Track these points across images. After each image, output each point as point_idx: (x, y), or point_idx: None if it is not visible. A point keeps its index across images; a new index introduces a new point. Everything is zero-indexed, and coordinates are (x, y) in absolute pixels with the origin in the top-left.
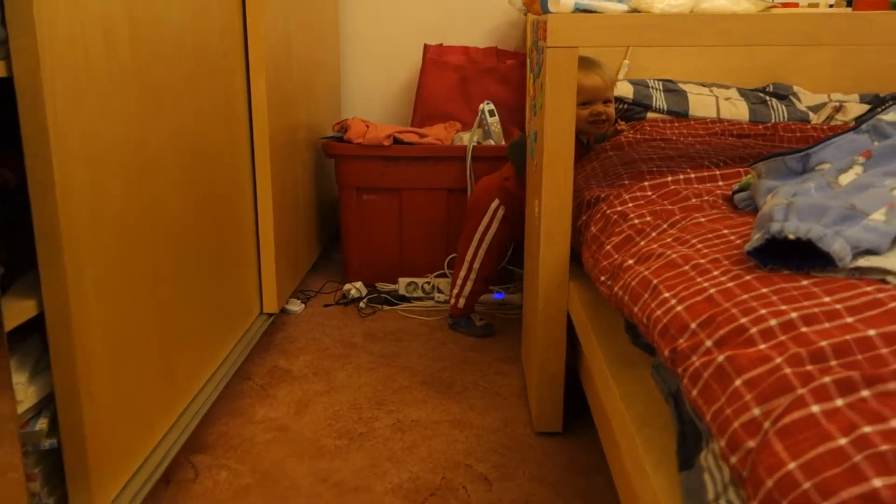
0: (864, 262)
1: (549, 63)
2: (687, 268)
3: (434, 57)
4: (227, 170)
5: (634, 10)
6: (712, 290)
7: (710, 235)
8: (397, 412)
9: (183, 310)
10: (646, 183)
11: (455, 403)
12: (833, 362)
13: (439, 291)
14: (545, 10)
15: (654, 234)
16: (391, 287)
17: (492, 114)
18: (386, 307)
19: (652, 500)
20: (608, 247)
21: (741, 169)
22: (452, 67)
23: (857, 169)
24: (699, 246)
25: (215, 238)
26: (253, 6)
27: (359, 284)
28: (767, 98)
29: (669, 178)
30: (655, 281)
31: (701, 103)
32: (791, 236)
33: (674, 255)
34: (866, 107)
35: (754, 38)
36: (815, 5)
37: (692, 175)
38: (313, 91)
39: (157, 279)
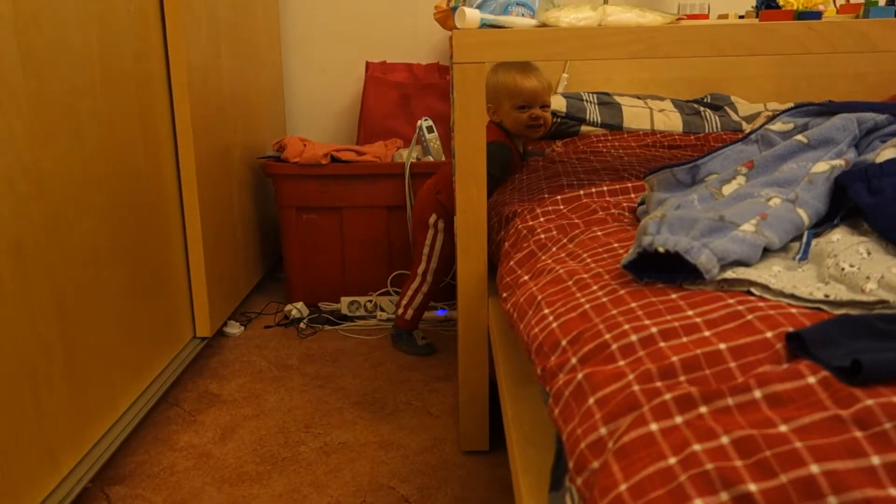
0: (731, 273)
1: (457, 78)
2: (570, 283)
3: (376, 74)
4: (150, 192)
5: (543, 25)
6: (587, 306)
7: (600, 249)
8: (325, 435)
9: (96, 336)
10: (559, 197)
11: (385, 424)
12: (682, 377)
13: (381, 310)
14: (454, 27)
15: (553, 248)
16: (334, 306)
17: (430, 130)
18: (327, 327)
19: None
20: (512, 262)
21: None
22: (393, 84)
23: (740, 179)
24: (588, 260)
25: (137, 262)
26: (174, 31)
27: (300, 305)
28: (701, 109)
29: (582, 192)
30: (540, 297)
31: (635, 115)
32: (661, 249)
33: (561, 271)
34: None
35: (660, 50)
36: (725, 16)
37: (605, 188)
38: (250, 111)
39: (62, 305)
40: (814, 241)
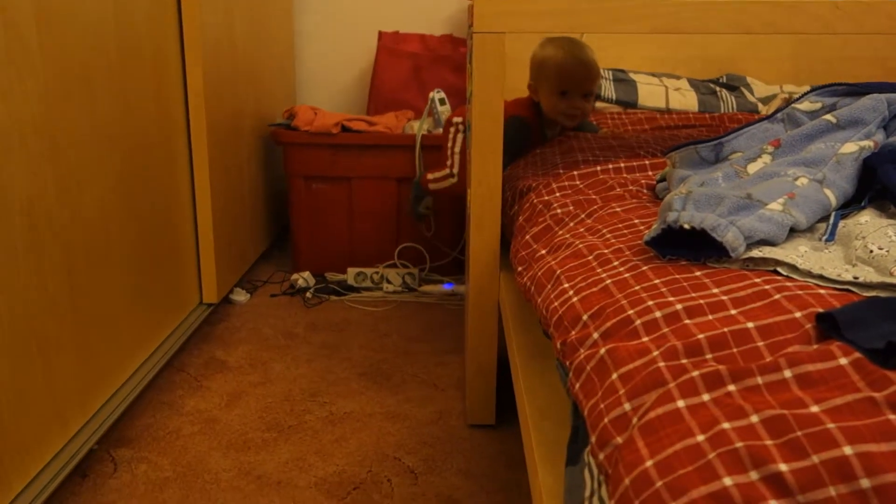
0: (757, 252)
1: (476, 49)
2: (590, 258)
3: (388, 45)
4: (160, 157)
5: None
6: (608, 281)
7: (620, 225)
8: (331, 404)
9: (105, 301)
10: (575, 172)
11: (391, 395)
12: (708, 355)
13: (388, 282)
14: None
15: (571, 223)
16: (340, 277)
17: (442, 102)
18: (333, 297)
19: (538, 497)
20: (528, 236)
21: None
22: (406, 55)
23: (766, 158)
24: (608, 236)
25: (146, 227)
26: None
27: (306, 274)
28: (717, 89)
29: (599, 168)
30: (559, 271)
31: (650, 93)
32: (686, 226)
33: (581, 246)
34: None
35: (683, 24)
36: None
37: (622, 164)
38: (262, 78)
39: (72, 269)
40: (841, 223)
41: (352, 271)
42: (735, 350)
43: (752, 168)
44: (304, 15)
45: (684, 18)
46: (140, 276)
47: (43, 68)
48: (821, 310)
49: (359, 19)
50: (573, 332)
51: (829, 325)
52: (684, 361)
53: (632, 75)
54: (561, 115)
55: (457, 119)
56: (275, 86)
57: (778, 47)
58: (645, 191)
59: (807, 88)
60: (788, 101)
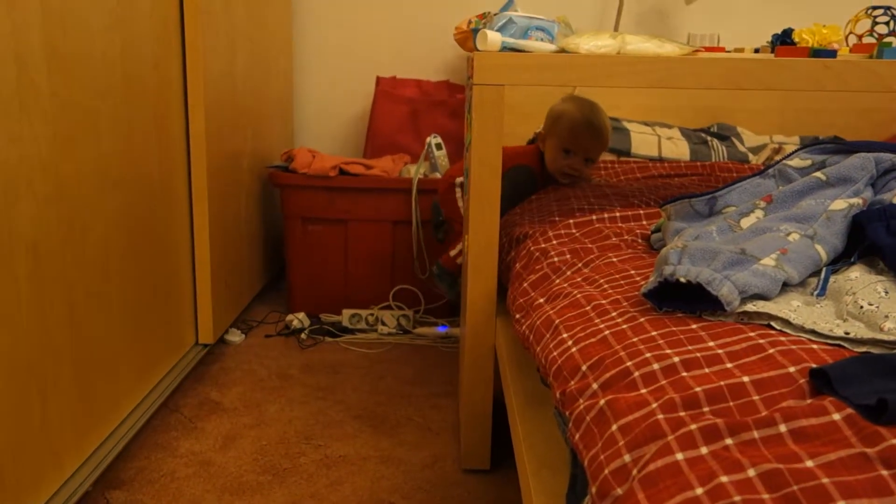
0: (752, 306)
1: (475, 100)
2: (588, 308)
3: (386, 89)
4: (161, 197)
5: (562, 51)
6: (607, 332)
7: (617, 276)
8: (325, 447)
9: (104, 341)
10: (571, 220)
11: (386, 438)
12: (706, 408)
13: (383, 323)
14: (475, 48)
15: (568, 272)
16: (335, 318)
17: (439, 147)
18: (328, 339)
19: None
20: (525, 284)
21: None
22: (404, 100)
23: (759, 213)
24: (605, 286)
25: (146, 267)
26: (192, 38)
27: (301, 315)
28: (708, 138)
29: (594, 217)
30: (557, 321)
31: (643, 142)
32: (682, 279)
33: (579, 296)
34: None
35: (676, 80)
36: (741, 51)
37: (617, 214)
38: (261, 120)
39: (73, 308)
40: (832, 278)
41: (347, 313)
42: (731, 403)
43: (746, 223)
44: (302, 59)
45: (678, 75)
46: (138, 316)
47: (52, 112)
48: (814, 365)
49: (357, 64)
50: (572, 382)
51: (822, 381)
52: (682, 414)
53: (625, 124)
54: (558, 172)
55: (459, 179)
56: (273, 128)
57: (767, 99)
58: (640, 240)
59: (796, 139)
60: (778, 152)
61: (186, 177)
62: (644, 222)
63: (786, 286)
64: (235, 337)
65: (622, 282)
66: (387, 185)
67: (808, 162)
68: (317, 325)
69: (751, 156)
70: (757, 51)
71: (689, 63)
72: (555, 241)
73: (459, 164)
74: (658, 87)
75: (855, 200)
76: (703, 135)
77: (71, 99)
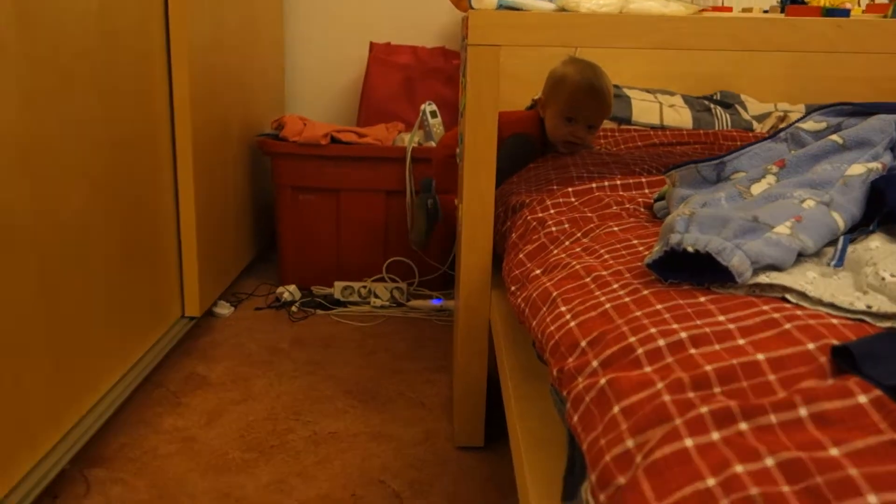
0: (765, 278)
1: (470, 62)
2: (588, 280)
3: (380, 56)
4: (143, 163)
5: (562, 9)
6: (608, 305)
7: (618, 246)
8: (314, 424)
9: (81, 312)
10: (570, 189)
11: (377, 415)
12: (717, 389)
13: (376, 296)
14: (469, 7)
15: (567, 242)
16: (327, 291)
17: (434, 115)
18: (319, 312)
19: None
20: (522, 255)
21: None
22: (398, 67)
23: (770, 178)
24: (606, 256)
25: (127, 235)
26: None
27: (292, 288)
28: (712, 106)
29: (594, 185)
30: (555, 293)
31: (644, 109)
32: (690, 248)
33: (578, 266)
34: None
35: (682, 41)
36: (749, 10)
37: (618, 182)
38: (250, 86)
39: (46, 278)
40: (850, 248)
41: (339, 285)
42: (745, 384)
43: (757, 189)
44: (294, 24)
45: (683, 34)
46: (119, 287)
47: (24, 71)
48: (835, 342)
49: (350, 29)
50: (570, 360)
51: (845, 359)
52: (691, 395)
53: (626, 91)
54: (560, 141)
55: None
56: (263, 94)
57: (771, 66)
58: (643, 209)
59: (801, 107)
60: (783, 120)
61: (171, 141)
62: (647, 191)
63: (800, 256)
64: (224, 310)
65: (624, 252)
66: (380, 153)
67: (823, 125)
68: (308, 298)
69: (755, 124)
70: (766, 11)
71: (696, 23)
72: (553, 211)
73: (454, 132)
74: (662, 48)
75: (874, 165)
76: (707, 102)
77: (43, 57)
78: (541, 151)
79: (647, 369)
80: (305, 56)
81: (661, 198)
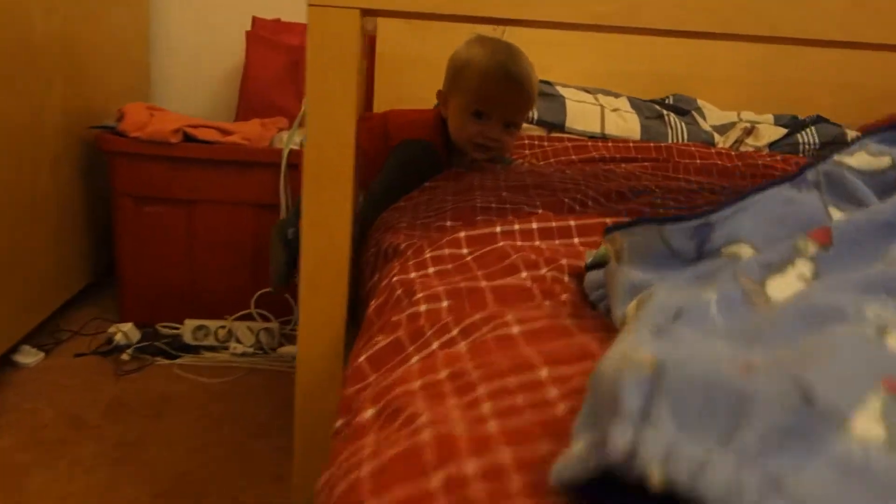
0: None
1: (312, 31)
2: (435, 484)
3: (263, 34)
4: None
5: None
6: None
7: (512, 379)
8: None
9: None
10: (463, 233)
11: None
12: None
13: (237, 341)
14: None
15: (434, 345)
16: (176, 331)
17: None
18: (160, 360)
19: None
20: (363, 357)
21: (607, 220)
22: (285, 49)
23: (804, 267)
24: (486, 412)
25: None
26: None
27: (128, 327)
28: (665, 112)
29: (499, 230)
30: (368, 485)
31: (581, 113)
32: (654, 475)
33: (426, 436)
34: (782, 130)
35: (640, 17)
36: None
37: (534, 226)
38: (84, 68)
39: None
40: None
41: (190, 324)
42: None
43: (780, 288)
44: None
45: (642, 7)
46: None
47: None
48: None
49: (233, 3)
50: None
51: None
52: None
53: (559, 89)
54: (468, 143)
55: None
56: (115, 78)
57: (732, 66)
58: (565, 279)
59: (769, 117)
60: (750, 133)
61: None
62: (576, 240)
63: None
64: (29, 357)
65: (519, 398)
66: (247, 156)
67: (887, 161)
68: (147, 343)
69: (716, 136)
70: None
71: None
72: (432, 270)
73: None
74: (610, 26)
75: None
76: (658, 108)
77: None
78: (445, 162)
79: None
80: (177, 34)
81: (597, 264)
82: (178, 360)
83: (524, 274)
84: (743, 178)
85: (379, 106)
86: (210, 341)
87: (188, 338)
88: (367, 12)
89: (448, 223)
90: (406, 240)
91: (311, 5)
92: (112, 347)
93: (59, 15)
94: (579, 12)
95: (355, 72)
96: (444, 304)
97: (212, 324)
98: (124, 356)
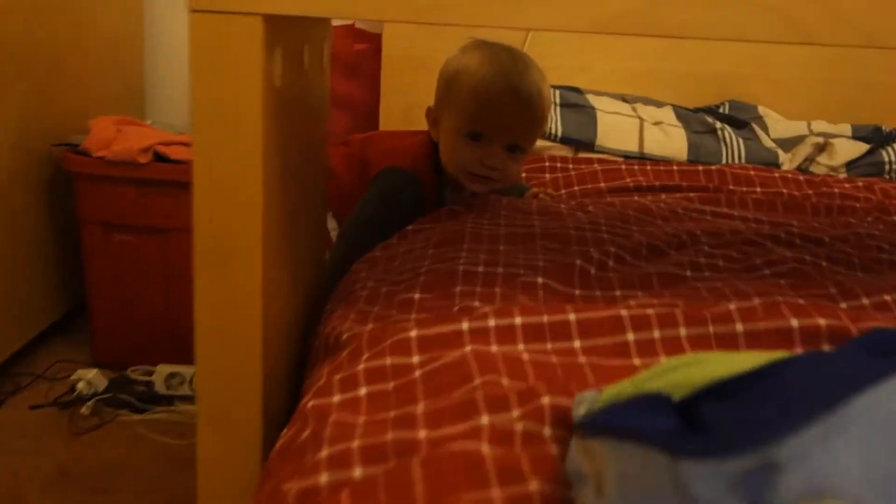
0: None
1: (195, 46)
2: None
3: None
4: None
5: None
6: None
7: None
8: None
9: None
10: (413, 334)
11: None
12: None
13: None
14: None
15: None
16: (148, 377)
17: None
18: (126, 414)
19: None
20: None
21: (622, 313)
22: None
23: None
24: None
25: None
26: None
27: (93, 374)
28: (718, 126)
29: (465, 326)
30: None
31: (616, 128)
32: None
33: None
34: (863, 146)
35: (658, 24)
36: None
37: (517, 321)
38: (59, 74)
39: None
40: None
41: (163, 370)
42: None
43: None
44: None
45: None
46: None
47: None
48: None
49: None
50: None
51: None
52: None
53: (590, 98)
54: (463, 173)
55: None
56: (103, 92)
57: (803, 64)
58: (545, 433)
59: (847, 127)
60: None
61: None
62: (576, 344)
63: None
64: None
65: None
66: None
67: None
68: (110, 394)
69: (780, 153)
70: None
71: None
72: (362, 391)
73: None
74: (622, 32)
75: None
76: (710, 119)
77: None
78: (437, 199)
79: None
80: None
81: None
82: (144, 415)
83: (484, 420)
84: (815, 213)
85: (385, 114)
86: (185, 390)
87: (160, 387)
88: (269, 19)
89: (417, 295)
90: (351, 327)
91: (194, 12)
92: (74, 398)
93: (27, 14)
94: (576, 21)
95: (259, 89)
96: (357, 472)
97: (187, 370)
98: (84, 409)
